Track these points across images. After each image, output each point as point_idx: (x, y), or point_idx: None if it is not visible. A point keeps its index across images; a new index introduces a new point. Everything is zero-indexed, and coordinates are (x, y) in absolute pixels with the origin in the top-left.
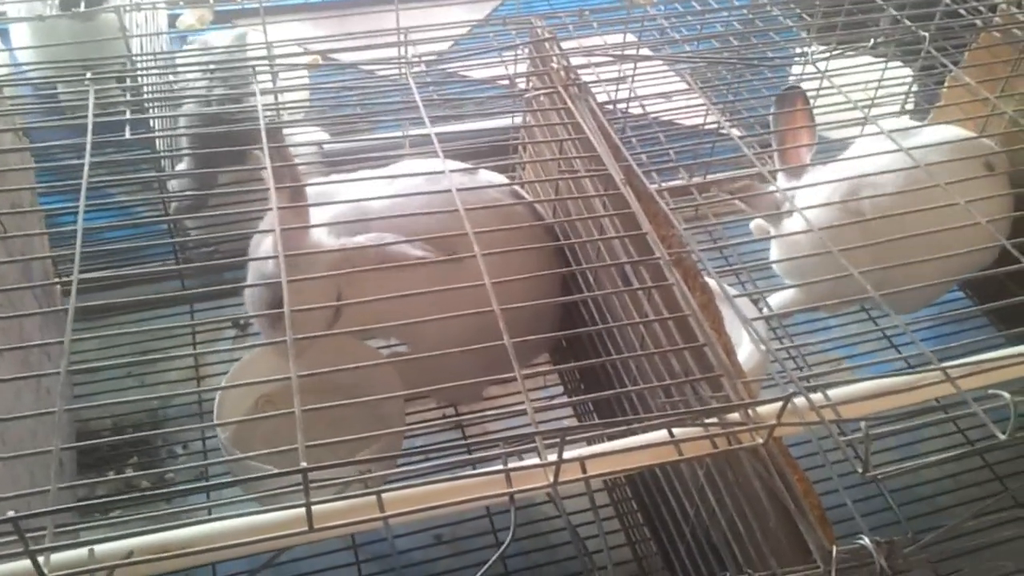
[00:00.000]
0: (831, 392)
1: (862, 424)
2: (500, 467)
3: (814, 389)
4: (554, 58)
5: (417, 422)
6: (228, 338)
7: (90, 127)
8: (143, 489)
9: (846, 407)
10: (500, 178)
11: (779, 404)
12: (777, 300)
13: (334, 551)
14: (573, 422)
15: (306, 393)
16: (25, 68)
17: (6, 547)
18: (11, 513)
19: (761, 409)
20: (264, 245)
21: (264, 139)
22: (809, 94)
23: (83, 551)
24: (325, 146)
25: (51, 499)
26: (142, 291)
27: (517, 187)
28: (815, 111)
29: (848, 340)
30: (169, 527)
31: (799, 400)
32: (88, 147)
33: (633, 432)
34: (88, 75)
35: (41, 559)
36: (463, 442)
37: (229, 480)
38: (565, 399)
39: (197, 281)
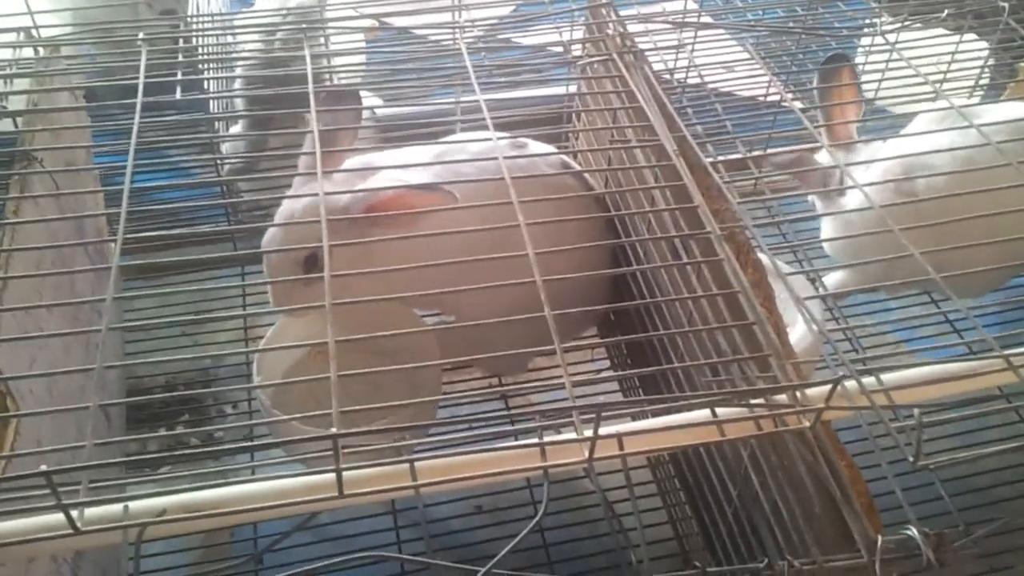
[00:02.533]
0: (885, 376)
1: (915, 411)
2: (536, 440)
3: (867, 373)
4: (610, 24)
5: (460, 391)
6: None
7: (141, 88)
8: (192, 446)
9: (900, 392)
10: (549, 148)
11: (828, 387)
12: (834, 280)
13: (374, 515)
14: (618, 397)
15: (350, 353)
16: (82, 29)
17: (43, 499)
18: (43, 467)
19: (810, 392)
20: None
21: (312, 103)
22: (878, 67)
23: (117, 507)
24: (377, 111)
25: (86, 454)
26: (195, 252)
27: (567, 158)
28: (884, 84)
29: (908, 323)
30: (205, 486)
31: (850, 383)
32: (138, 108)
33: (674, 410)
34: (141, 35)
35: (75, 513)
36: (506, 413)
37: (269, 442)
38: (610, 373)
39: (248, 243)
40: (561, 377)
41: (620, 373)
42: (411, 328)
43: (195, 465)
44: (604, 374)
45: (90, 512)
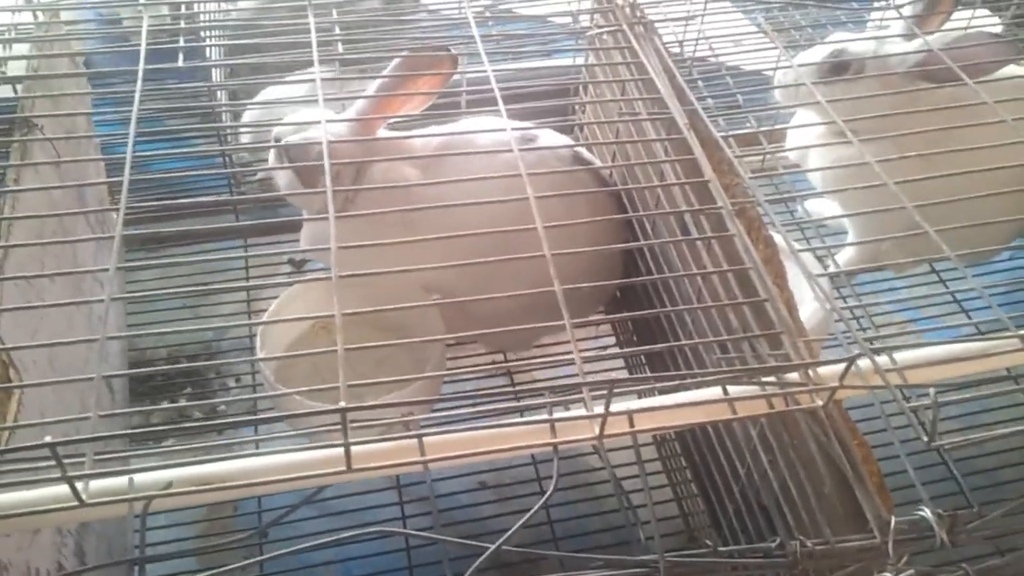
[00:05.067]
0: (898, 356)
1: (931, 391)
2: (545, 416)
3: (879, 352)
4: None
5: (464, 367)
6: (283, 274)
7: (143, 54)
8: (195, 420)
9: (913, 372)
10: (561, 140)
11: (842, 366)
12: (843, 258)
13: (379, 490)
14: (624, 375)
15: (355, 327)
16: None
17: (47, 472)
18: (48, 439)
19: (822, 370)
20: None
21: (317, 67)
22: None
23: (123, 480)
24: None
25: (91, 426)
26: (196, 223)
27: (580, 149)
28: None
29: (915, 303)
30: (211, 459)
31: (863, 362)
32: (140, 75)
33: (685, 387)
34: (142, 1)
35: (80, 485)
36: (512, 389)
37: (276, 415)
38: (616, 351)
39: (251, 216)
40: (565, 355)
41: (629, 350)
42: (417, 303)
43: (200, 439)
44: (610, 351)
45: (95, 484)
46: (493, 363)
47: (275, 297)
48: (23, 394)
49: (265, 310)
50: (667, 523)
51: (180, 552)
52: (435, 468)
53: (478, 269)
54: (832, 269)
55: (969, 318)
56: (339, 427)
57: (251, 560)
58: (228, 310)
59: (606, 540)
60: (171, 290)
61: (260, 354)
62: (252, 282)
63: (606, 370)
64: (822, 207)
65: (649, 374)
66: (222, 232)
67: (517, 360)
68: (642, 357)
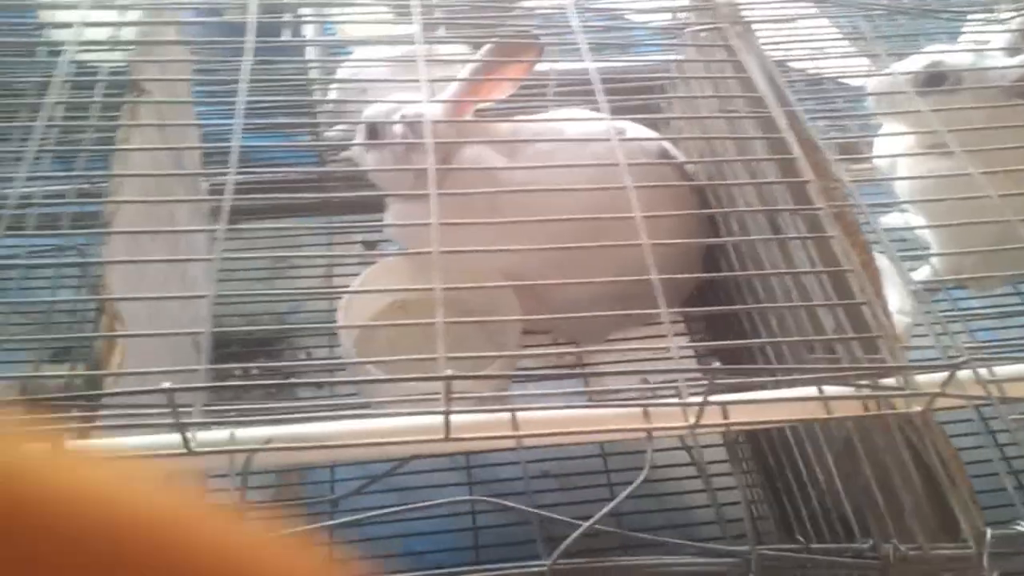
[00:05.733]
0: (997, 368)
1: None
2: (640, 401)
3: (979, 362)
4: None
5: (538, 355)
6: (357, 255)
7: (253, 27)
8: (274, 385)
9: (1013, 385)
10: (649, 133)
11: (940, 373)
12: (924, 273)
13: (445, 469)
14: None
15: (427, 302)
16: None
17: (153, 419)
18: (166, 384)
19: (918, 377)
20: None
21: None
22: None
23: (225, 433)
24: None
25: (201, 377)
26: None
27: (667, 144)
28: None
29: (1001, 320)
30: (306, 418)
31: (961, 372)
32: (250, 53)
33: (776, 385)
34: None
35: (188, 435)
36: (571, 372)
37: (383, 378)
38: (697, 343)
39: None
40: (650, 347)
41: (721, 343)
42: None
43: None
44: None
45: (200, 436)
46: (565, 355)
47: (354, 275)
48: (126, 345)
49: (343, 287)
50: (733, 526)
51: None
52: (496, 456)
53: (562, 258)
54: (931, 276)
55: None
56: (430, 398)
57: (320, 525)
58: (305, 284)
59: (668, 535)
60: (273, 258)
61: (340, 322)
62: (334, 260)
63: (676, 370)
64: (900, 220)
65: (746, 367)
66: (309, 207)
67: (594, 349)
68: (714, 357)
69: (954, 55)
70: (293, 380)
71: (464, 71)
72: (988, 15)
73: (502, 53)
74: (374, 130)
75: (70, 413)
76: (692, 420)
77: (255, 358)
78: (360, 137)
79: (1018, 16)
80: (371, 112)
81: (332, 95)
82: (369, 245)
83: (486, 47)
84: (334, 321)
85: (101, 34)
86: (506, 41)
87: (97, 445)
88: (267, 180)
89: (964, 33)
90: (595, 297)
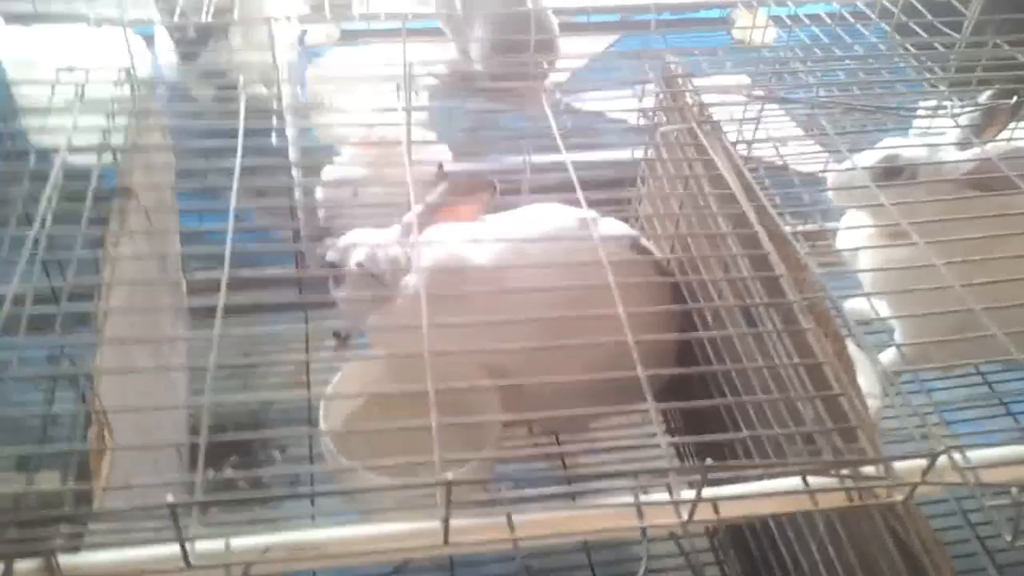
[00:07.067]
0: (971, 454)
1: (1013, 490)
2: (630, 499)
3: (955, 449)
4: (687, 94)
5: (517, 447)
6: (329, 347)
7: (241, 132)
8: (242, 489)
9: (988, 471)
10: (620, 229)
11: (918, 461)
12: (888, 358)
13: (432, 570)
14: (674, 463)
15: (412, 403)
16: (169, 68)
17: (150, 532)
18: (169, 499)
19: (897, 465)
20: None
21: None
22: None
23: (220, 543)
24: (446, 167)
25: (198, 489)
26: (257, 295)
27: (641, 239)
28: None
29: (959, 404)
30: (293, 528)
31: (940, 460)
32: (239, 155)
33: (765, 476)
34: (242, 80)
35: (187, 547)
36: (564, 473)
37: (378, 486)
38: (669, 438)
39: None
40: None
41: (706, 437)
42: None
43: (246, 511)
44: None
45: (199, 546)
46: (538, 446)
47: (323, 370)
48: (114, 455)
49: (314, 384)
50: None
51: None
52: (481, 550)
53: (539, 350)
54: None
55: (1016, 421)
56: (429, 502)
57: None
58: (275, 381)
59: None
60: (230, 359)
61: (322, 427)
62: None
63: (652, 458)
64: (863, 306)
65: (738, 462)
66: (287, 305)
67: (570, 441)
68: (690, 447)
69: (909, 149)
70: (285, 492)
71: (420, 206)
72: (939, 110)
73: (457, 191)
74: (334, 268)
75: (64, 527)
76: (685, 516)
77: (226, 457)
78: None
79: (966, 113)
80: (331, 253)
81: (319, 194)
82: (342, 337)
83: (443, 185)
84: (310, 414)
85: (91, 139)
86: (461, 180)
87: (94, 560)
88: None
89: (914, 127)
90: (575, 388)
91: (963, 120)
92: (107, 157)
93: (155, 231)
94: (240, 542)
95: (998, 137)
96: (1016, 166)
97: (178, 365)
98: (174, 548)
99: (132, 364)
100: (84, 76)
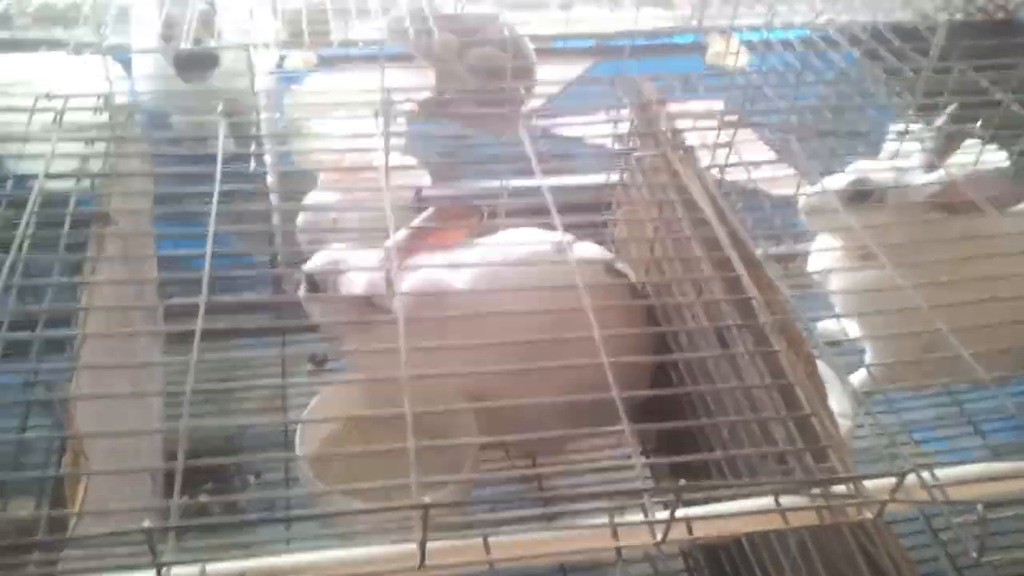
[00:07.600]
0: (939, 472)
1: (979, 507)
2: (605, 521)
3: (923, 467)
4: (661, 120)
5: (495, 469)
6: (305, 372)
7: (220, 159)
8: (216, 514)
9: (956, 488)
10: (595, 252)
11: (888, 480)
12: (858, 378)
13: None
14: (649, 484)
15: (388, 427)
16: (147, 95)
17: (125, 558)
18: (147, 523)
19: (867, 483)
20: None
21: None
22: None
23: (195, 568)
24: (424, 192)
25: (174, 514)
26: (234, 319)
27: (616, 262)
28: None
29: (927, 423)
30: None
31: (908, 478)
32: (217, 182)
33: (738, 496)
34: (220, 107)
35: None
36: (540, 494)
37: (355, 510)
38: (644, 459)
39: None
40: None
41: (680, 458)
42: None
43: (218, 536)
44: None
45: (175, 572)
46: (514, 467)
47: (300, 395)
48: (89, 481)
49: (291, 408)
50: None
51: None
52: (457, 573)
53: (515, 374)
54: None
55: (984, 439)
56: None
57: None
58: (251, 406)
59: None
60: (207, 383)
61: (298, 451)
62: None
63: (628, 479)
64: (833, 327)
65: (712, 482)
66: (264, 330)
67: (548, 464)
68: (667, 468)
69: (878, 172)
70: (259, 516)
71: (405, 231)
72: (906, 133)
73: (443, 216)
74: (314, 281)
75: (38, 553)
76: (659, 536)
77: (203, 484)
78: (303, 288)
79: (931, 137)
80: (312, 265)
81: (300, 220)
82: (318, 361)
83: (429, 211)
84: (286, 438)
85: (69, 165)
86: (448, 207)
87: None
88: (228, 304)
89: (884, 151)
90: (551, 410)
91: (927, 144)
92: (85, 183)
93: (132, 257)
94: (216, 567)
95: (958, 160)
96: (980, 188)
97: (154, 391)
98: (150, 574)
99: (108, 389)
100: (63, 103)
